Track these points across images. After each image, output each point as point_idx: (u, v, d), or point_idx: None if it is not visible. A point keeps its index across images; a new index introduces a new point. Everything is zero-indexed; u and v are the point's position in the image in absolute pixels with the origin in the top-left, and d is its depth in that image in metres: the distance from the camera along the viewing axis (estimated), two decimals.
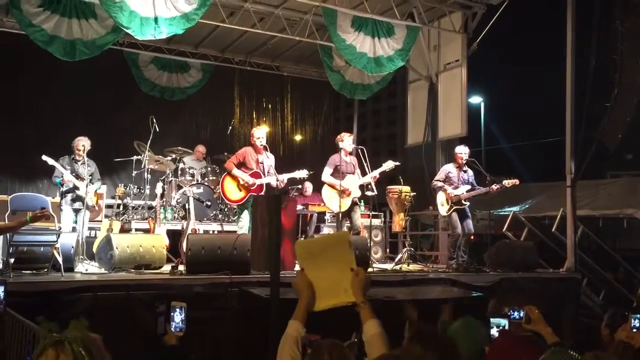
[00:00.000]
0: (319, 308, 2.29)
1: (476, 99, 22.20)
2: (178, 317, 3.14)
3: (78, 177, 7.59)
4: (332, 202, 8.03)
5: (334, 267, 2.30)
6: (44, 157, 7.54)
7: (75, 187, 7.54)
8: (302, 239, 8.38)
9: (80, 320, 1.73)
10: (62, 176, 7.51)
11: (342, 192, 7.83)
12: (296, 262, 7.67)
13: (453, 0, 10.20)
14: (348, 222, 8.10)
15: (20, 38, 8.66)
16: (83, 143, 7.65)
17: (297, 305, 2.29)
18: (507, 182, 8.12)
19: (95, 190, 7.86)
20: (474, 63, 10.84)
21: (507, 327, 2.84)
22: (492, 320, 2.90)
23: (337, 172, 7.95)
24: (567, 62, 8.73)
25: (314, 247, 2.43)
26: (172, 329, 3.13)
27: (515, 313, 3.10)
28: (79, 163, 7.68)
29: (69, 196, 7.59)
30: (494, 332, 2.86)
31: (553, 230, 9.69)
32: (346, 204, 7.90)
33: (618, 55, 9.01)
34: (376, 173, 8.06)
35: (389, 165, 8.23)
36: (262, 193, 7.55)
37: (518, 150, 30.08)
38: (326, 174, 8.03)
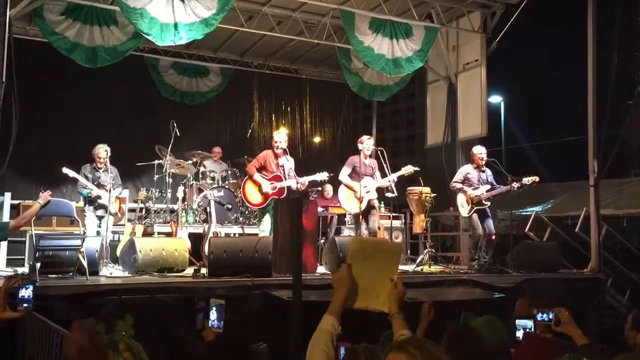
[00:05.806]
0: (357, 306, 2.31)
1: (496, 99, 21.98)
2: (214, 314, 3.17)
3: (100, 185, 7.67)
4: (348, 202, 8.01)
5: (377, 272, 2.33)
6: (65, 170, 7.59)
7: (98, 196, 7.63)
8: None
9: (125, 321, 1.75)
10: (87, 187, 7.57)
11: (357, 196, 7.80)
12: (319, 263, 7.72)
13: (471, 0, 10.13)
14: (364, 223, 8.04)
15: (43, 46, 8.81)
16: (105, 149, 7.72)
17: (334, 299, 2.27)
18: (527, 180, 8.02)
19: (116, 196, 7.95)
20: (494, 62, 10.76)
21: (532, 329, 2.79)
22: (517, 322, 2.85)
23: (355, 173, 7.94)
24: (588, 59, 8.63)
25: (368, 248, 2.45)
26: (210, 326, 3.18)
27: (544, 315, 3.03)
28: (101, 171, 7.76)
29: (92, 204, 7.69)
30: (520, 334, 2.80)
31: (576, 230, 9.56)
32: (362, 205, 7.88)
33: None
34: (395, 177, 8.03)
35: (408, 169, 8.16)
36: (283, 196, 7.59)
37: (539, 150, 29.76)
38: (344, 174, 8.01)
